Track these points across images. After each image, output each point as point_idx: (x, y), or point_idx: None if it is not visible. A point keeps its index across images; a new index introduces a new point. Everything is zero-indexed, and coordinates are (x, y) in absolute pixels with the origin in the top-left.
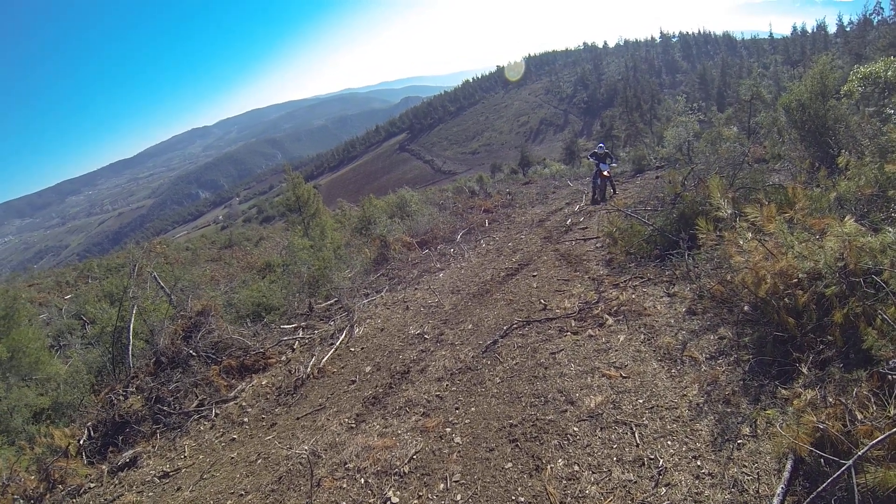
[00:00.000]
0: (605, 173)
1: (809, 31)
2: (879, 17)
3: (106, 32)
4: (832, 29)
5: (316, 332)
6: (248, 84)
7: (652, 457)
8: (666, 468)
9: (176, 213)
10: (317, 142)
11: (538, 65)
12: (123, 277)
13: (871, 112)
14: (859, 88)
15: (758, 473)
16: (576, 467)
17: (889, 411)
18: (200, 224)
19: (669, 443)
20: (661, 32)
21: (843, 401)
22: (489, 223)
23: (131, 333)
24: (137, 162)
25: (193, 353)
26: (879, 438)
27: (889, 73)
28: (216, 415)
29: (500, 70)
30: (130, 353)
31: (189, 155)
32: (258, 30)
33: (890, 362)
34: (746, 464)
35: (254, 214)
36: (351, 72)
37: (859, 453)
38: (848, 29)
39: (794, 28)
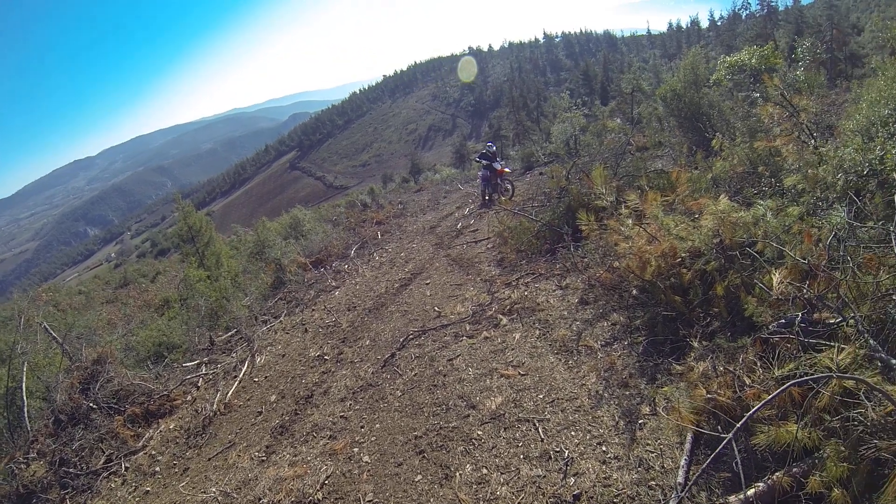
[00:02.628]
0: (506, 170)
1: (684, 26)
2: (748, 11)
3: None
4: (705, 24)
5: (219, 365)
6: (131, 110)
7: (558, 449)
8: (573, 458)
9: (64, 255)
10: (206, 166)
11: (424, 72)
12: (11, 332)
13: (742, 97)
14: (728, 76)
15: (661, 449)
16: (484, 470)
17: (774, 373)
18: (92, 264)
19: (573, 433)
20: (544, 33)
21: (732, 369)
22: (382, 235)
23: (24, 393)
24: (16, 201)
25: (94, 406)
26: (766, 400)
27: (753, 60)
28: (126, 468)
29: (387, 80)
30: (26, 414)
31: (73, 189)
32: (138, 53)
33: (770, 327)
34: (650, 442)
35: (148, 248)
36: (237, 91)
37: (746, 417)
38: (719, 23)
39: (670, 24)
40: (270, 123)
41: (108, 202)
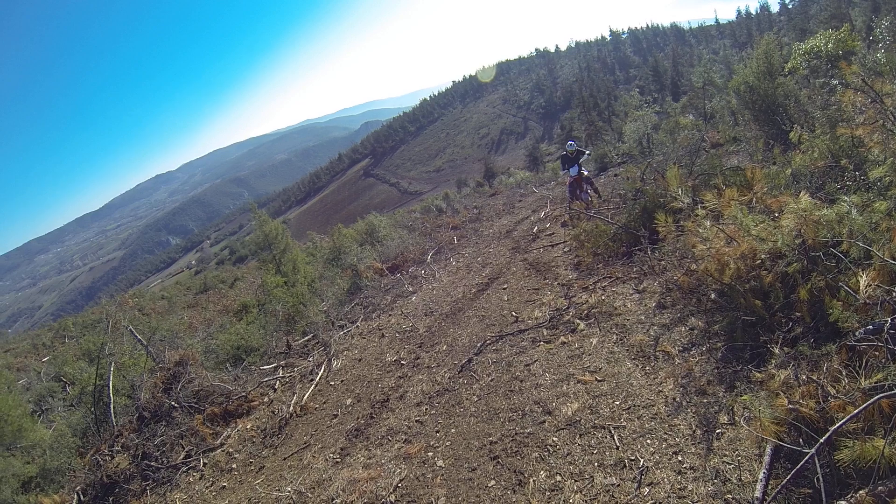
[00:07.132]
0: (584, 173)
1: (753, 12)
2: None
3: (60, 83)
4: (775, 8)
5: (295, 369)
6: (208, 125)
7: (633, 458)
8: (647, 467)
9: (148, 263)
10: (281, 176)
11: (493, 75)
12: (99, 334)
13: (819, 84)
14: (803, 64)
15: (739, 461)
16: (558, 477)
17: (860, 383)
18: (174, 271)
19: (649, 441)
20: (610, 31)
21: (816, 378)
22: (458, 240)
23: (111, 391)
24: (104, 214)
25: (175, 405)
26: (852, 414)
27: (829, 45)
28: (204, 464)
29: (456, 85)
30: (112, 411)
31: (155, 202)
32: (213, 69)
33: (857, 333)
34: (727, 452)
35: (226, 256)
36: (309, 102)
37: (830, 432)
38: (790, 6)
39: (739, 12)
40: (343, 132)
41: (189, 213)
